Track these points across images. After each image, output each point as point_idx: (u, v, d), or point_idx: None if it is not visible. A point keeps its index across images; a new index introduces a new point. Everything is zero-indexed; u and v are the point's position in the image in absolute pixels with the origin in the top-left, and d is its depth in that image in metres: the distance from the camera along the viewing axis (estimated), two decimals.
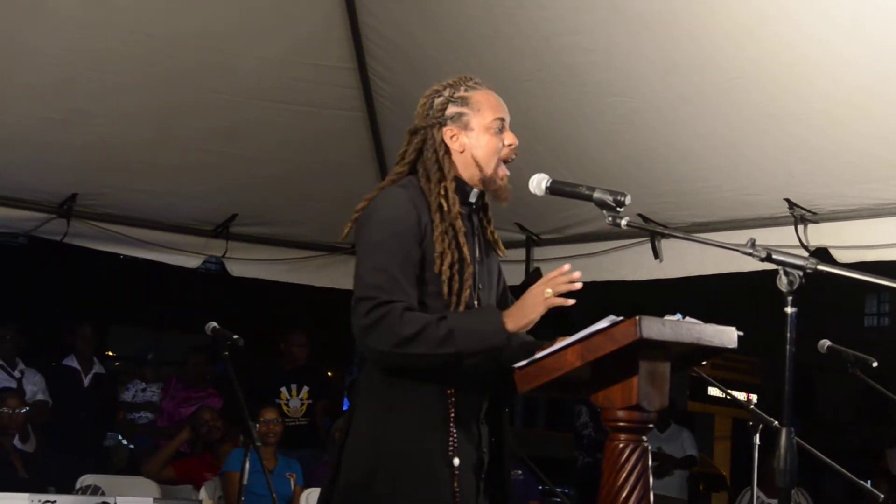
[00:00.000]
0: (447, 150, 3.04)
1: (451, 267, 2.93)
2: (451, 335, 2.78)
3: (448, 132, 3.04)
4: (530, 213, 6.35)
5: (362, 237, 2.94)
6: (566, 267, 2.82)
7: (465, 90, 3.07)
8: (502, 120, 3.06)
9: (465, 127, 3.04)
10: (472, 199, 3.10)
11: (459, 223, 2.98)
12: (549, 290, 2.80)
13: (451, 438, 2.91)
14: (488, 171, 3.04)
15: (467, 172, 3.05)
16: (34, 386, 7.37)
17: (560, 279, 2.80)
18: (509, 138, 3.05)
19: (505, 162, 3.06)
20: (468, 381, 2.93)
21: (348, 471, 2.95)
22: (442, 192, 2.98)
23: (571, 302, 2.81)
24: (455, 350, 2.79)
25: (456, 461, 2.89)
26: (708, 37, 4.89)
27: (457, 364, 2.82)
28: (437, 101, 3.07)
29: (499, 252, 3.21)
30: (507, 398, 3.12)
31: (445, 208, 2.97)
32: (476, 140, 3.04)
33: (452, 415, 2.92)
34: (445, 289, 2.92)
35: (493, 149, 3.04)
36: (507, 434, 3.14)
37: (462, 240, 2.97)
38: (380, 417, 2.91)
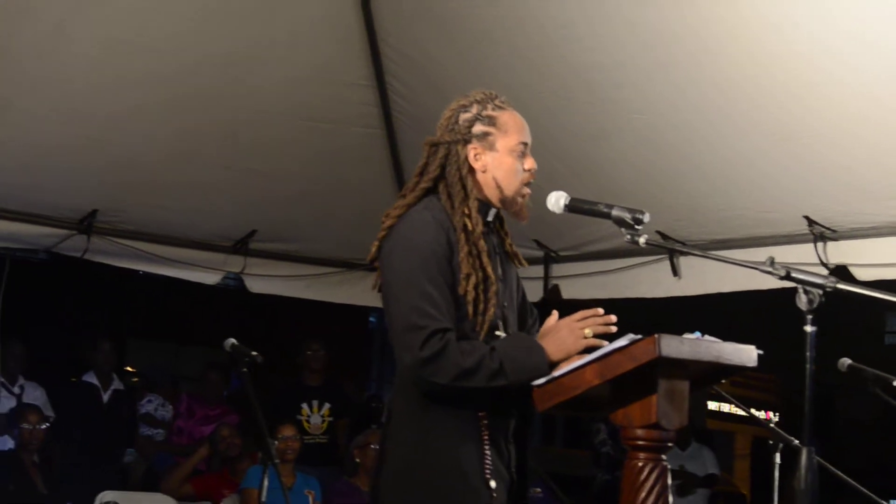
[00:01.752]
0: (471, 169, 3.02)
1: (475, 287, 2.92)
2: (503, 369, 2.80)
3: (472, 150, 3.02)
4: (549, 230, 6.35)
5: (395, 264, 2.90)
6: (600, 311, 2.86)
7: (493, 109, 3.05)
8: (526, 144, 3.05)
9: (490, 147, 3.03)
10: (490, 217, 3.09)
11: (482, 243, 2.97)
12: (590, 332, 2.84)
13: (486, 461, 2.90)
14: (508, 192, 3.04)
15: (489, 192, 3.04)
16: (35, 401, 7.39)
17: (598, 320, 2.85)
18: (529, 163, 3.05)
19: (528, 185, 3.06)
20: (498, 403, 2.93)
21: (389, 497, 2.93)
22: (466, 212, 2.97)
23: (605, 343, 2.81)
24: (506, 383, 2.81)
25: (493, 484, 2.89)
26: (725, 54, 4.89)
27: (498, 391, 2.85)
28: (464, 116, 3.05)
29: (518, 264, 3.20)
30: (530, 417, 3.12)
31: (469, 228, 2.95)
32: (499, 161, 3.03)
33: (486, 437, 2.91)
34: (471, 309, 2.90)
35: (514, 171, 3.03)
36: (529, 453, 3.14)
37: (486, 260, 2.96)
38: (418, 443, 2.89)
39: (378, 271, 3.06)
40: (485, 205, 3.05)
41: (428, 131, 3.16)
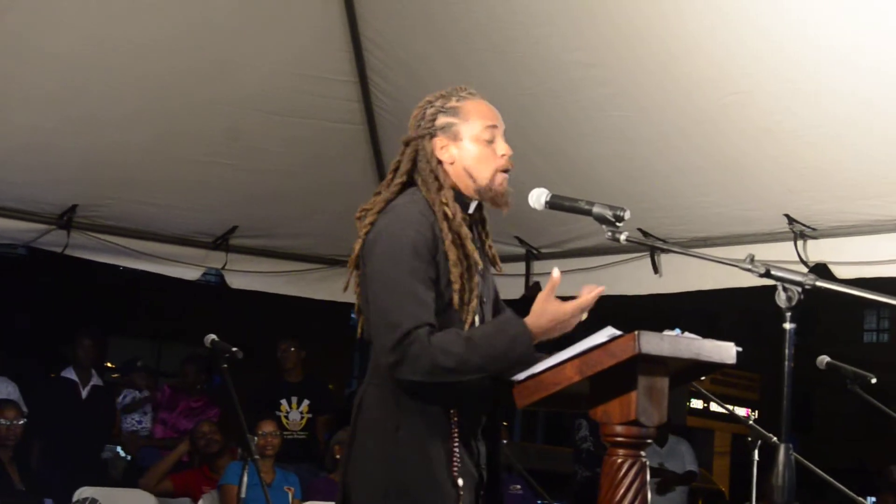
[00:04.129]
0: (439, 161, 3.00)
1: (461, 277, 2.91)
2: (484, 368, 2.79)
3: (438, 143, 3.00)
4: (530, 227, 6.35)
5: (378, 258, 2.88)
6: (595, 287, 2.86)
7: (457, 100, 3.03)
8: (493, 127, 3.01)
9: (455, 137, 3.00)
10: (471, 210, 3.06)
11: (465, 230, 2.95)
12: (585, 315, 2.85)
13: (454, 459, 2.89)
14: (481, 181, 2.99)
15: (462, 183, 3.01)
16: (7, 397, 7.34)
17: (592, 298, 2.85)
18: (502, 147, 3.00)
19: (504, 171, 3.01)
20: (470, 397, 2.92)
21: (360, 492, 2.92)
22: (444, 201, 2.95)
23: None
24: (486, 375, 2.83)
25: (460, 481, 2.87)
26: (707, 54, 4.90)
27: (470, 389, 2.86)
28: (429, 111, 3.04)
29: (496, 268, 3.18)
30: (502, 413, 3.11)
31: (450, 215, 2.93)
32: (465, 150, 3.00)
33: (456, 434, 2.91)
34: (457, 298, 2.89)
35: (484, 158, 2.99)
36: (502, 449, 3.13)
37: (470, 246, 2.95)
38: (388, 437, 2.88)
39: (351, 272, 3.05)
40: (462, 196, 3.02)
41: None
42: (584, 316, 2.86)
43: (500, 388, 2.90)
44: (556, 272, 2.86)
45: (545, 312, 2.83)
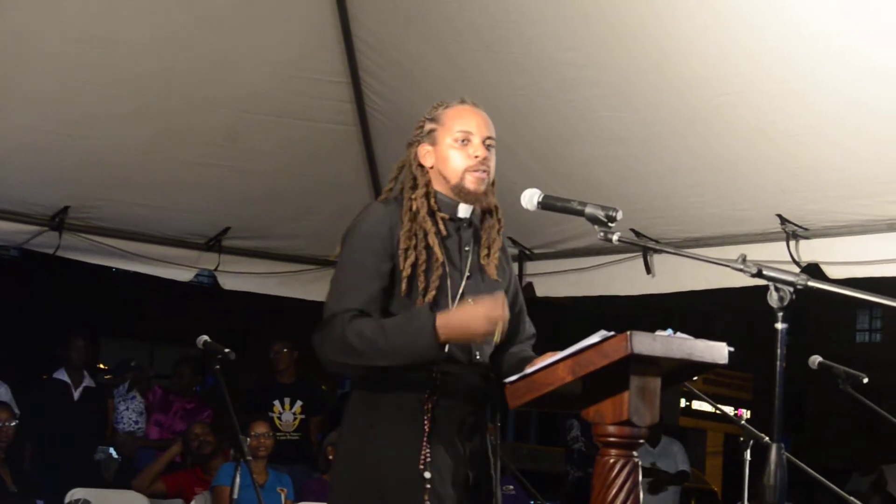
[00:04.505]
0: (420, 165, 3.12)
1: (413, 266, 2.99)
2: (388, 350, 2.87)
3: (422, 149, 3.13)
4: (522, 227, 6.35)
5: (340, 253, 3.06)
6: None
7: (443, 108, 3.16)
8: (466, 132, 3.09)
9: (434, 142, 3.12)
10: (462, 213, 3.13)
11: (429, 226, 3.04)
12: (501, 326, 2.87)
13: (423, 453, 2.94)
14: (452, 179, 3.09)
15: (442, 187, 3.11)
16: None
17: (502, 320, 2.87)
18: (474, 149, 3.08)
19: (475, 171, 3.08)
20: (451, 394, 2.96)
21: (337, 489, 3.06)
22: (412, 197, 3.07)
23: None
24: (392, 364, 2.89)
25: (427, 475, 2.92)
26: (699, 53, 4.91)
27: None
28: (420, 121, 3.18)
29: (492, 276, 3.19)
30: (497, 412, 3.13)
31: (413, 209, 3.04)
32: (439, 153, 3.11)
33: (427, 428, 2.95)
34: (405, 286, 2.98)
35: (454, 158, 3.08)
36: (494, 448, 3.14)
37: (433, 240, 3.02)
38: (362, 434, 3.00)
39: None
40: (445, 198, 3.12)
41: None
42: (497, 335, 2.89)
43: (492, 387, 2.93)
44: (500, 296, 2.93)
45: (458, 311, 2.92)
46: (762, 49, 4.72)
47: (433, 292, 3.00)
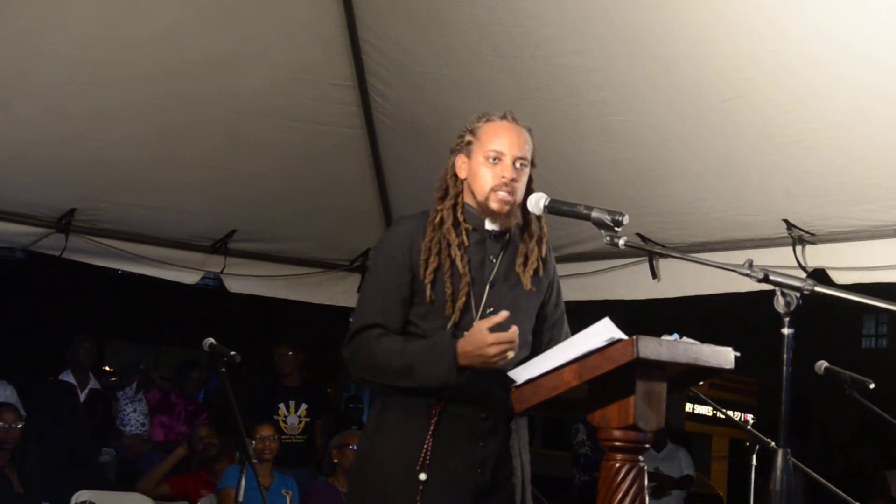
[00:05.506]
0: (455, 175, 3.20)
1: (435, 272, 3.06)
2: (411, 372, 2.99)
3: (459, 160, 3.20)
4: None
5: (370, 265, 3.29)
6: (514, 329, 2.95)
7: (485, 121, 3.22)
8: (498, 151, 3.14)
9: (470, 155, 3.19)
10: (489, 226, 3.19)
11: (453, 237, 3.10)
12: (511, 355, 2.95)
13: (422, 455, 3.00)
14: (479, 196, 3.16)
15: (471, 199, 3.19)
16: (5, 400, 7.33)
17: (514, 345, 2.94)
18: (503, 169, 3.13)
19: (500, 191, 3.14)
20: (462, 400, 2.97)
21: (350, 488, 3.27)
22: (439, 208, 3.15)
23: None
24: (415, 385, 3.00)
25: (422, 476, 2.99)
26: (706, 57, 4.90)
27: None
28: (462, 131, 3.26)
29: (525, 286, 3.23)
30: (511, 416, 3.14)
31: (438, 220, 3.12)
32: (472, 168, 3.18)
33: (431, 430, 3.00)
34: (428, 293, 3.05)
35: (480, 176, 3.15)
36: (512, 453, 3.15)
37: (455, 252, 3.05)
38: (372, 436, 3.12)
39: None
40: (473, 210, 3.19)
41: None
42: (511, 355, 2.96)
43: (507, 393, 2.95)
44: (503, 314, 2.97)
45: (470, 337, 2.96)
46: (769, 54, 4.71)
47: (462, 299, 3.07)
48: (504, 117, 3.24)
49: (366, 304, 3.11)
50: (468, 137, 3.21)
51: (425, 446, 3.00)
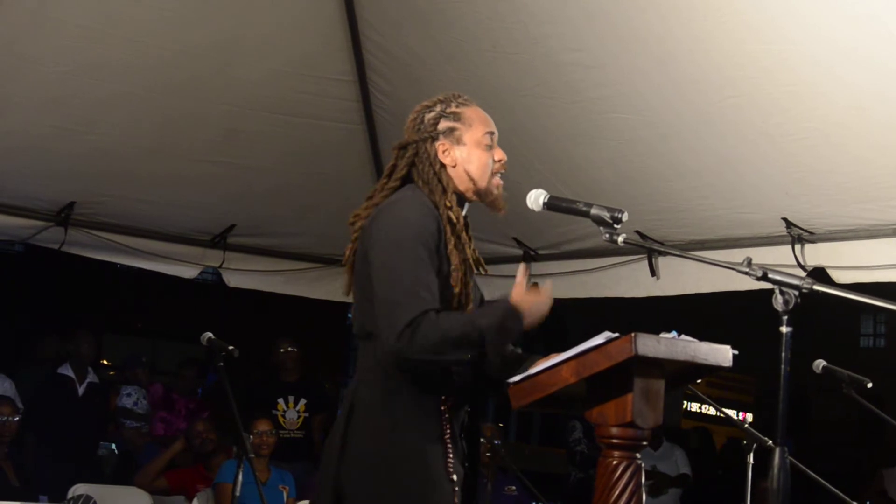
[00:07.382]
0: (442, 165, 3.08)
1: (460, 280, 2.98)
2: (483, 340, 2.81)
3: (440, 146, 3.08)
4: (528, 228, 6.35)
5: (386, 248, 2.90)
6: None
7: (457, 106, 3.13)
8: (492, 134, 3.11)
9: (458, 142, 3.09)
10: (464, 212, 3.13)
11: (465, 235, 3.04)
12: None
13: (448, 455, 2.93)
14: (482, 184, 3.09)
15: (462, 186, 3.10)
16: (2, 392, 7.33)
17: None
18: (499, 154, 3.11)
19: (497, 174, 3.12)
20: (460, 393, 2.96)
21: (358, 495, 2.89)
22: (448, 205, 3.03)
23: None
24: (483, 352, 2.84)
25: (454, 477, 2.92)
26: (705, 55, 4.90)
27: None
28: (429, 116, 3.12)
29: (481, 270, 3.20)
30: (477, 409, 3.15)
31: (454, 220, 3.01)
32: (468, 154, 3.09)
33: (448, 430, 2.94)
34: (455, 303, 2.96)
35: (485, 163, 3.09)
36: (479, 447, 3.18)
37: (469, 253, 3.04)
38: (384, 439, 2.88)
39: (348, 275, 3.08)
40: (461, 199, 3.10)
41: None
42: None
43: (479, 384, 2.96)
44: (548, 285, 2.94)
45: (525, 297, 2.91)
46: (768, 52, 4.71)
47: (471, 305, 3.03)
48: (469, 100, 3.16)
49: (411, 287, 2.81)
50: (449, 123, 3.08)
51: (448, 446, 2.92)
